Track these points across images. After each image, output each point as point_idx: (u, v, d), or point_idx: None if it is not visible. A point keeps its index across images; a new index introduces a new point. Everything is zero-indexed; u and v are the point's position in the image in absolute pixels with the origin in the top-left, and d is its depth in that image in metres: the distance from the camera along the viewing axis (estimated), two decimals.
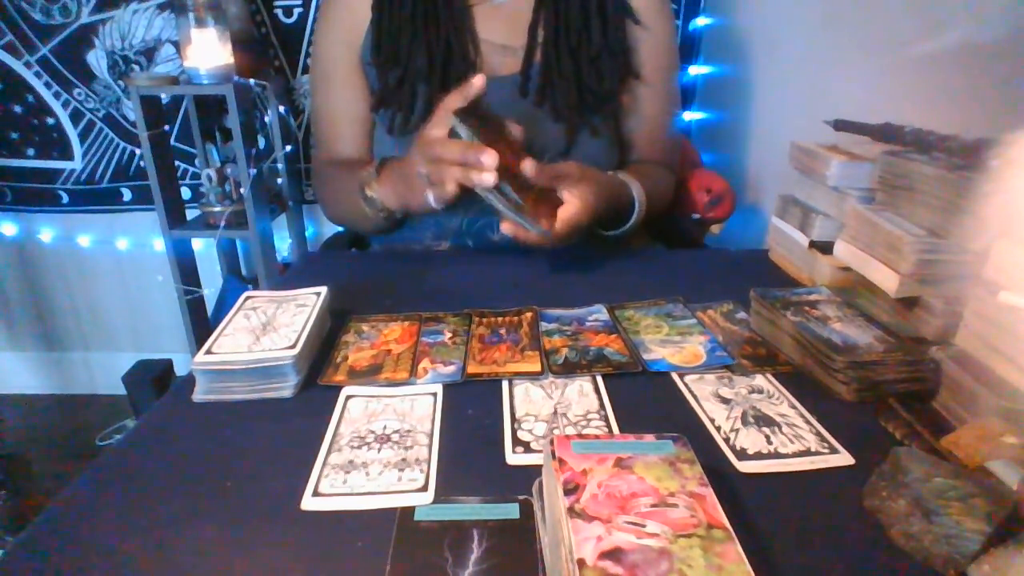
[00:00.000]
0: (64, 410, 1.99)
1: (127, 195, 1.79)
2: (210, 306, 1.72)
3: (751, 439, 0.45)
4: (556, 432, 0.46)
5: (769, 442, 0.45)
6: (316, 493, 0.41)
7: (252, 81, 1.48)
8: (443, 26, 0.86)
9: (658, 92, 0.94)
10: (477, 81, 0.69)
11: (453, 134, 0.69)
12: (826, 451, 0.44)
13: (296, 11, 1.57)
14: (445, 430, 0.47)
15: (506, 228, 0.72)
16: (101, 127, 1.70)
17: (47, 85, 1.66)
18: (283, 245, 1.73)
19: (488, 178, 0.66)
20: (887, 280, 0.57)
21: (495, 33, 0.89)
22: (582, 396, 0.51)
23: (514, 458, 0.44)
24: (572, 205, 0.73)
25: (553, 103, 0.86)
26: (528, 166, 0.69)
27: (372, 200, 0.82)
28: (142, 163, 1.63)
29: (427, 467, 0.43)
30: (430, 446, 0.45)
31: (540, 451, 0.44)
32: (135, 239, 1.84)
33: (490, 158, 0.65)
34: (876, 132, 0.68)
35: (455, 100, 0.70)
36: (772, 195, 0.80)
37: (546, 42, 0.87)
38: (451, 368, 0.55)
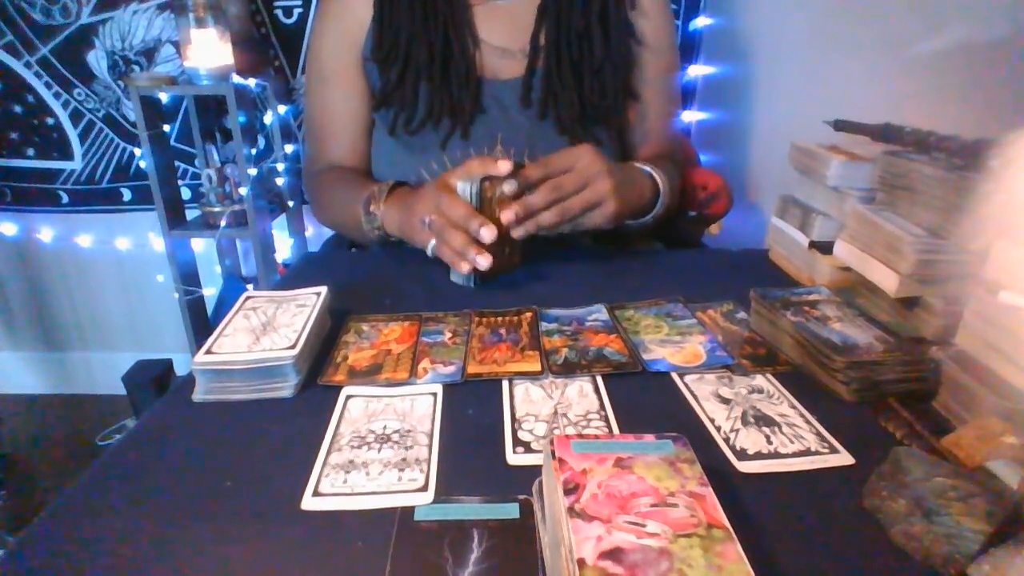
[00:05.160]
0: (64, 410, 1.99)
1: (127, 195, 1.79)
2: (210, 306, 1.72)
3: (751, 439, 0.45)
4: (556, 432, 0.46)
5: (769, 442, 0.45)
6: (316, 493, 0.41)
7: (252, 81, 1.48)
8: (442, 22, 0.86)
9: (659, 93, 0.94)
10: (503, 167, 0.67)
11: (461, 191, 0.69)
12: (826, 451, 0.44)
13: (296, 11, 1.57)
14: (445, 430, 0.47)
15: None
16: (101, 127, 1.70)
17: (47, 85, 1.66)
18: (283, 245, 1.72)
19: (482, 261, 0.66)
20: (887, 280, 0.57)
21: (494, 35, 0.89)
22: (582, 396, 0.51)
23: (514, 458, 0.44)
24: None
25: (556, 115, 0.86)
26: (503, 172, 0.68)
27: (373, 216, 0.80)
28: (142, 163, 1.63)
29: (427, 467, 0.43)
30: (430, 446, 0.45)
31: (540, 451, 0.44)
32: (135, 239, 1.84)
33: (488, 232, 0.65)
34: (876, 132, 0.68)
35: (480, 167, 0.69)
36: (772, 195, 0.80)
37: (548, 52, 0.86)
38: (451, 368, 0.55)
